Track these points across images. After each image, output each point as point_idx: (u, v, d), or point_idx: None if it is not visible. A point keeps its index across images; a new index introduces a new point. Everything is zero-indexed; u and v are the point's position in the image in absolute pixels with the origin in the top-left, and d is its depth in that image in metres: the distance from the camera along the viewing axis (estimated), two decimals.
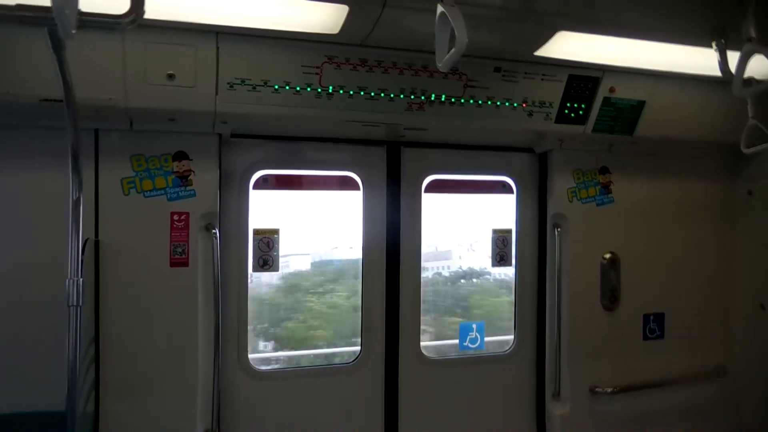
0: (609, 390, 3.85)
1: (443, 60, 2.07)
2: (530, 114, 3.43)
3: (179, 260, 3.10)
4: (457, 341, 3.99)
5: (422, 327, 3.82)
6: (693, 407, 4.15)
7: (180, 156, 3.08)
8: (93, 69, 2.62)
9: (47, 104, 2.55)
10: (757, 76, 2.69)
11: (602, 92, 3.49)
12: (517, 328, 4.02)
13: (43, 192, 2.85)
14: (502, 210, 4.06)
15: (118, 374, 3.00)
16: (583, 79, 3.42)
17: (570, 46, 3.01)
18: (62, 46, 1.93)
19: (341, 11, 2.51)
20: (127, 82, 2.70)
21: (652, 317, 4.07)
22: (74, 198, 2.10)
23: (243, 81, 2.88)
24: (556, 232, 3.84)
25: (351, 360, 3.71)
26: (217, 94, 2.85)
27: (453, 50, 1.97)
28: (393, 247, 3.69)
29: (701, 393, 4.17)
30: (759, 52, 2.48)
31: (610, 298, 3.95)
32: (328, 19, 2.61)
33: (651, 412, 4.03)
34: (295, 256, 3.96)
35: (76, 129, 2.08)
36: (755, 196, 4.20)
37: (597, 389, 3.86)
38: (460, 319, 4.12)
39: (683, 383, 4.09)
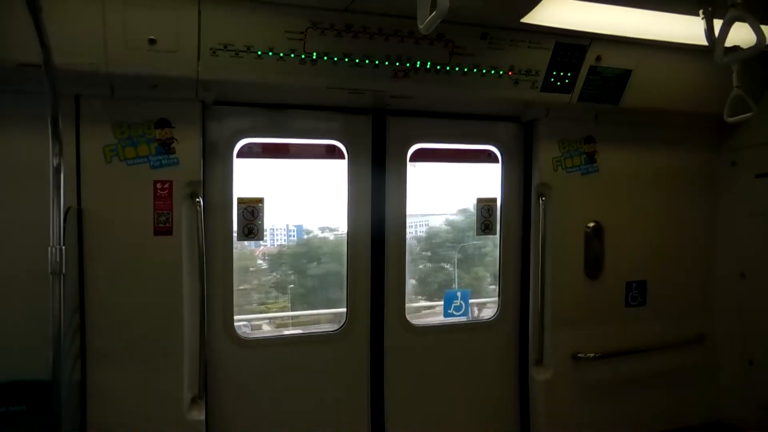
0: (591, 356, 3.93)
1: (424, 22, 2.04)
2: (516, 82, 3.42)
3: (163, 228, 3.08)
4: None
5: None
6: (673, 373, 4.25)
7: (162, 123, 3.04)
8: (72, 33, 2.56)
9: (26, 69, 2.49)
10: (743, 45, 2.68)
11: (589, 61, 3.48)
12: (502, 296, 4.06)
13: (24, 158, 2.80)
14: (487, 179, 4.07)
15: (104, 343, 3.00)
16: (570, 47, 3.40)
17: (557, 12, 2.99)
18: (39, 7, 1.88)
19: None
20: (108, 46, 2.65)
21: (634, 285, 4.14)
22: (55, 163, 2.07)
23: (226, 46, 2.83)
24: (541, 201, 3.86)
25: (337, 327, 3.75)
26: (199, 59, 2.81)
27: (434, 13, 1.94)
28: (378, 215, 3.69)
29: (681, 359, 4.27)
30: (742, 18, 2.44)
31: (594, 266, 4.00)
32: None
33: (632, 378, 4.12)
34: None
35: (55, 92, 2.05)
36: (738, 167, 4.23)
37: (579, 355, 3.94)
38: None
39: (664, 349, 4.18)
